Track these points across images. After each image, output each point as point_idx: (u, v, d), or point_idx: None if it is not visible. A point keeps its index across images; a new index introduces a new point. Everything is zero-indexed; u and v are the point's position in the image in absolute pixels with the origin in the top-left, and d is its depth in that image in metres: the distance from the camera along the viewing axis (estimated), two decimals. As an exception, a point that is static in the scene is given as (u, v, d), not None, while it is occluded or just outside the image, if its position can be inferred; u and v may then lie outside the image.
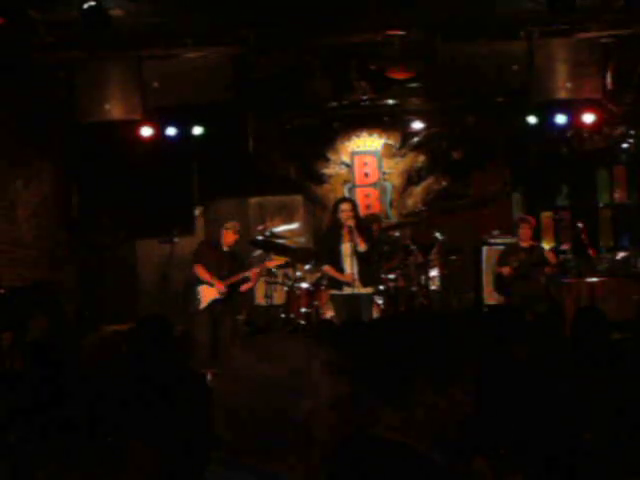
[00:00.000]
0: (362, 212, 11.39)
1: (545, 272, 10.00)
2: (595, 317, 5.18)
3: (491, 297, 10.97)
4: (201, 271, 9.34)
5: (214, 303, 9.25)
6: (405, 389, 2.19)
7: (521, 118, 11.57)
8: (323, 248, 9.45)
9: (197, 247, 9.76)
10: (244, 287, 9.45)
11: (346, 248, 8.74)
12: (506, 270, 9.92)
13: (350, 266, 8.69)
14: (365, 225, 9.31)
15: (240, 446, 1.75)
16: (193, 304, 9.30)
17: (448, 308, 11.06)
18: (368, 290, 8.91)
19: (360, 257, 8.68)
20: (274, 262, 10.03)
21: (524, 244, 10.06)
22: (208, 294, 9.26)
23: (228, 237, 9.43)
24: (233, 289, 9.37)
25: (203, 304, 9.25)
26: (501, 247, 10.81)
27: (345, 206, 8.82)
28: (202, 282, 9.29)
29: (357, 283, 8.66)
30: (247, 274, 9.38)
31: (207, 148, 12.21)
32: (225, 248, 9.44)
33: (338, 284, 8.81)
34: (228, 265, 9.35)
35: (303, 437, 1.75)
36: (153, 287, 11.80)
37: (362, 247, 8.64)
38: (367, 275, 8.81)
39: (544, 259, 9.95)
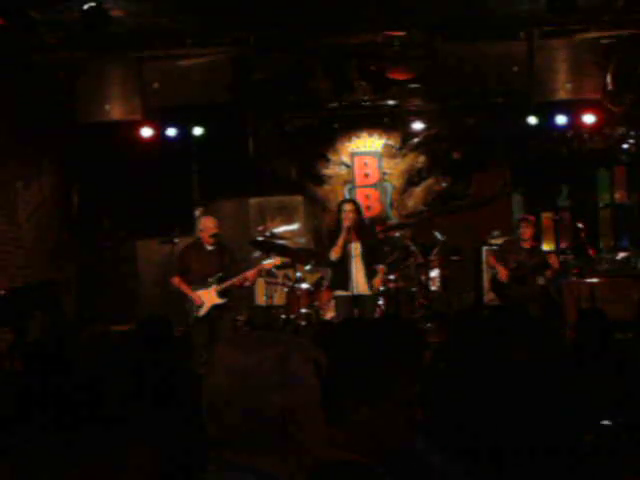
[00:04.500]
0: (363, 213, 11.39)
1: (546, 275, 9.98)
2: (597, 319, 5.19)
3: (490, 298, 10.96)
4: (179, 283, 9.10)
5: (213, 310, 9.01)
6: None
7: (521, 119, 11.57)
8: (329, 247, 9.22)
9: (179, 254, 9.42)
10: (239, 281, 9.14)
11: (353, 248, 8.70)
12: (503, 273, 9.87)
13: (357, 267, 8.67)
14: (365, 228, 9.23)
15: (223, 440, 1.75)
16: (193, 310, 9.05)
17: (448, 308, 11.06)
18: (373, 291, 8.91)
19: (367, 259, 8.68)
20: (271, 263, 9.85)
21: (525, 244, 10.01)
22: (208, 300, 9.03)
23: (206, 239, 9.15)
24: (228, 293, 9.18)
25: (204, 310, 9.01)
26: (501, 245, 10.74)
27: (346, 206, 8.81)
28: (201, 287, 9.05)
29: (362, 285, 8.66)
30: (244, 276, 9.14)
31: (207, 148, 12.22)
32: (209, 247, 9.15)
33: (343, 284, 8.76)
34: (217, 263, 9.09)
35: (280, 434, 1.74)
36: (153, 287, 11.80)
37: (357, 250, 8.63)
38: (374, 277, 8.80)
39: (545, 262, 9.91)
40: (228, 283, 9.03)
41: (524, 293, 9.68)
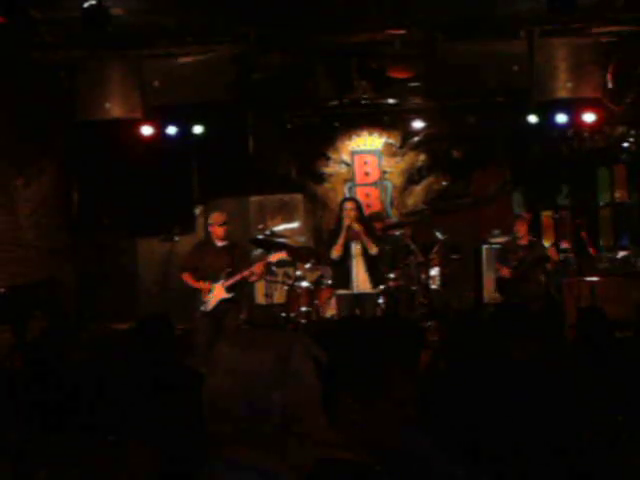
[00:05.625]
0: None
1: (546, 269, 10.03)
2: (597, 318, 5.19)
3: (491, 297, 10.97)
4: (189, 279, 9.10)
5: (220, 304, 9.00)
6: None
7: (521, 117, 11.57)
8: (329, 245, 9.19)
9: (189, 252, 9.49)
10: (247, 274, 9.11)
11: (354, 247, 8.69)
12: (505, 271, 9.92)
13: (358, 265, 8.66)
14: (372, 226, 9.21)
15: (224, 439, 1.75)
16: (199, 307, 9.04)
17: (448, 307, 11.07)
18: (375, 290, 8.91)
19: (369, 258, 8.67)
20: (277, 256, 9.82)
21: (522, 241, 10.08)
22: (216, 294, 9.02)
23: (216, 232, 9.12)
24: (236, 288, 9.19)
25: (210, 306, 9.00)
26: (500, 247, 10.81)
27: (348, 205, 8.80)
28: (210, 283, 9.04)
29: (363, 283, 8.65)
30: (252, 270, 9.10)
31: (207, 147, 12.21)
32: (219, 243, 9.14)
33: (344, 283, 8.75)
34: (227, 259, 9.06)
35: (281, 432, 1.75)
36: (153, 286, 11.81)
37: (374, 250, 8.62)
38: (376, 275, 8.79)
39: (545, 255, 9.98)
40: (236, 277, 9.01)
41: (528, 291, 9.72)
